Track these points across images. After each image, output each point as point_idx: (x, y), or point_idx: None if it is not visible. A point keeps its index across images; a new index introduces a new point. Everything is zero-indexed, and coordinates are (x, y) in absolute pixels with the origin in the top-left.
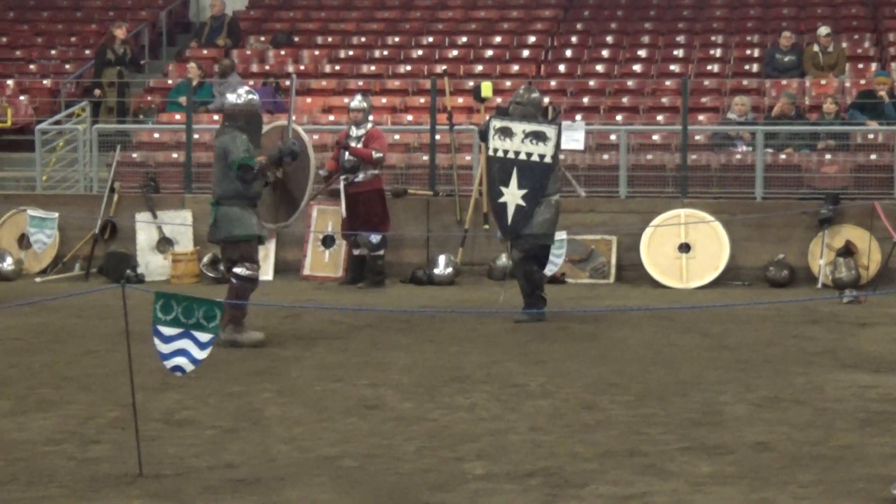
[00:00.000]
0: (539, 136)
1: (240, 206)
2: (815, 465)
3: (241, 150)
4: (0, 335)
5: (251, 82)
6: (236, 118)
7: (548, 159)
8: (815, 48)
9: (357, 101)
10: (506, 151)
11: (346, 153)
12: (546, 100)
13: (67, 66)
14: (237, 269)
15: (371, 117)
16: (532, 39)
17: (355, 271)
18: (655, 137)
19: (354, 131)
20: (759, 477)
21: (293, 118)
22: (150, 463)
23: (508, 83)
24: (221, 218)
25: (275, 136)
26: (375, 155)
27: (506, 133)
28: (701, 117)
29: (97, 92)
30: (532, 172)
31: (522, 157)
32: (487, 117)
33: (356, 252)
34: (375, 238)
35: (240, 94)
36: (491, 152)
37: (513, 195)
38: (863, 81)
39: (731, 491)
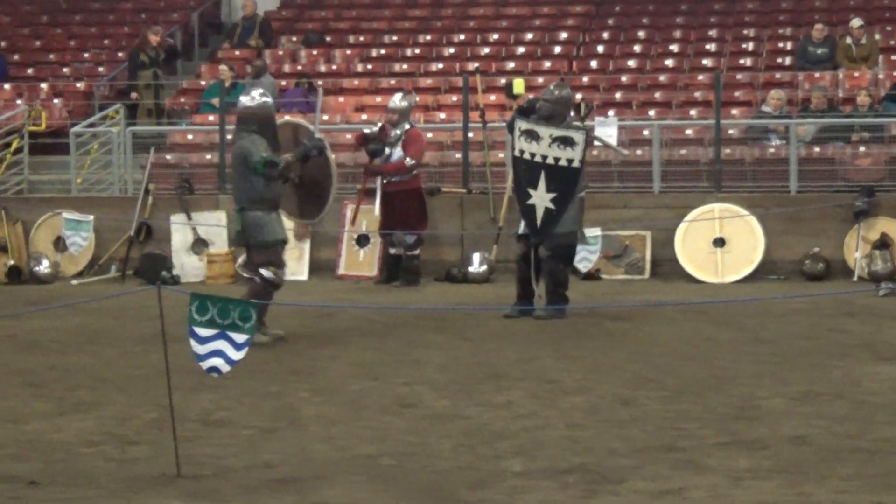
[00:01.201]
0: (567, 142)
1: (263, 210)
2: (854, 459)
3: (262, 150)
4: (37, 337)
5: (283, 82)
6: (249, 122)
7: (576, 164)
8: (848, 40)
9: (394, 102)
10: (532, 154)
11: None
12: (578, 96)
13: (101, 69)
14: (263, 271)
15: (411, 117)
16: (563, 35)
17: (390, 270)
18: (688, 132)
19: (393, 131)
20: (797, 471)
21: (318, 119)
22: (187, 463)
23: (540, 80)
24: (249, 224)
25: (286, 132)
26: (408, 163)
27: (532, 136)
28: (734, 111)
29: (134, 95)
30: (561, 177)
31: (550, 161)
32: (514, 111)
33: (392, 251)
34: (410, 238)
35: (253, 97)
36: (517, 153)
37: (541, 198)
38: None
39: (768, 485)
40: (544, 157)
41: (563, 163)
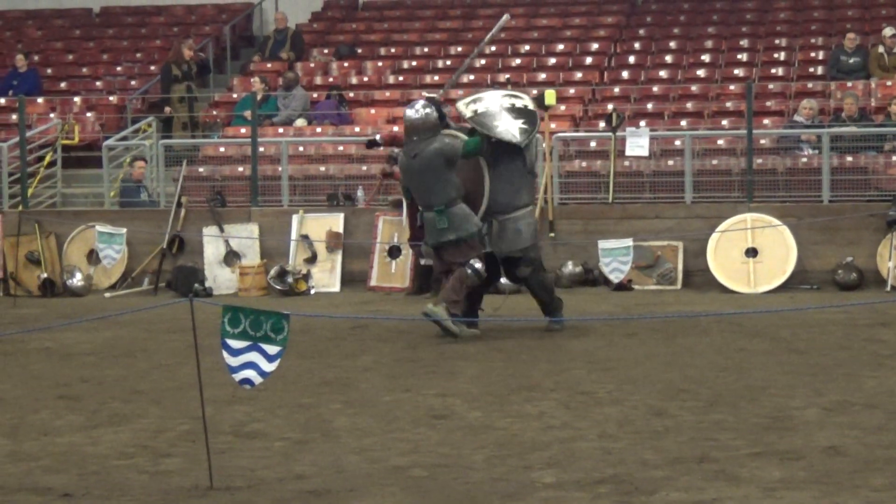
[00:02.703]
0: (515, 98)
1: (463, 201)
2: (888, 469)
3: (456, 140)
4: (71, 350)
5: (315, 95)
6: (419, 131)
7: (531, 107)
8: (881, 49)
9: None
10: (487, 107)
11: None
12: (609, 106)
13: (133, 83)
14: (475, 262)
15: None
16: (595, 46)
17: (422, 281)
18: (720, 142)
19: None
20: (831, 482)
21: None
22: (221, 476)
23: (572, 90)
24: (455, 218)
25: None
26: None
27: (478, 101)
28: (766, 121)
29: (167, 109)
30: (522, 111)
31: (506, 104)
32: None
33: (423, 262)
34: None
35: (417, 110)
36: (469, 114)
37: (511, 124)
38: None
39: (802, 496)
40: (501, 105)
41: (519, 104)
